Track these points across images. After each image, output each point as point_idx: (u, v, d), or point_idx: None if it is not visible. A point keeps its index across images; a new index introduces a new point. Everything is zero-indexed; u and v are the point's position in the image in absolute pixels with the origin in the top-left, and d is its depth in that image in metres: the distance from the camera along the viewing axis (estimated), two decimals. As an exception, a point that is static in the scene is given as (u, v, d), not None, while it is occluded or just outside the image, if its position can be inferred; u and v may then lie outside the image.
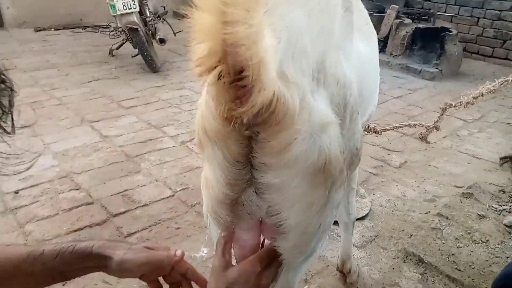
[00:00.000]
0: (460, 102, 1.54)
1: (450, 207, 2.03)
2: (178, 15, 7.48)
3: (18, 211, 1.82)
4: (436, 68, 4.36)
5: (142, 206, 1.96)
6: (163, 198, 2.03)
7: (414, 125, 1.71)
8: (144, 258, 0.77)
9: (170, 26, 4.76)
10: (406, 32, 4.66)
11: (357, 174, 1.42)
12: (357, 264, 1.66)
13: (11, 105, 0.44)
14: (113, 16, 3.70)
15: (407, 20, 4.83)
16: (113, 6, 3.58)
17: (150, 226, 1.82)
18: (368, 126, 1.66)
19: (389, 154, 2.66)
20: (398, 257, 1.75)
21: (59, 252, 0.74)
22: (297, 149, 0.62)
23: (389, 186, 2.30)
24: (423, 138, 1.67)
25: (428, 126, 1.64)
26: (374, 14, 5.00)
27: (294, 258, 0.77)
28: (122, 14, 3.64)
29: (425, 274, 1.66)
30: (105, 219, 1.84)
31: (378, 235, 1.88)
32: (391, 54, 4.77)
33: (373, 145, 2.75)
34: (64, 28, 6.05)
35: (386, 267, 1.70)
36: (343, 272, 1.60)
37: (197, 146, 0.72)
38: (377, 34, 4.93)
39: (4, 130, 0.44)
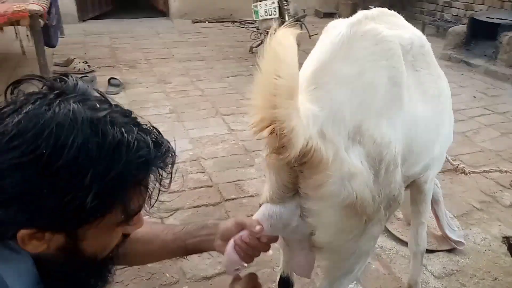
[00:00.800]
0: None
1: (551, 260, 1.93)
2: (319, 13, 7.73)
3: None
4: None
5: (249, 196, 2.32)
6: (267, 193, 2.36)
7: (505, 171, 1.70)
8: (239, 220, 1.00)
9: (306, 28, 5.05)
10: None
11: (427, 211, 1.54)
12: (428, 293, 1.76)
13: (172, 166, 0.75)
14: (255, 20, 4.13)
15: None
16: (256, 12, 4.01)
17: (251, 214, 2.15)
18: (458, 166, 1.72)
19: (501, 190, 2.54)
20: (475, 296, 1.78)
21: (185, 226, 1.07)
22: (329, 188, 0.87)
23: (491, 224, 2.24)
24: None
25: None
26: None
27: (332, 271, 1.04)
28: (263, 20, 4.05)
29: (499, 320, 1.67)
30: (218, 201, 2.25)
31: (461, 270, 1.92)
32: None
33: (486, 178, 2.65)
34: (216, 21, 6.83)
35: (460, 303, 1.75)
36: (411, 296, 1.72)
37: (264, 169, 1.00)
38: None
39: (162, 186, 0.74)
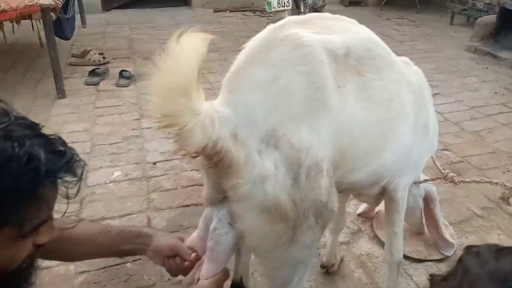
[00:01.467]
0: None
1: (548, 276, 1.82)
2: (344, 2, 7.51)
3: (151, 180, 2.38)
4: None
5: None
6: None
7: (496, 183, 1.59)
8: (173, 243, 1.10)
9: (325, 19, 4.94)
10: None
11: (400, 221, 1.49)
12: (408, 304, 1.71)
13: (81, 177, 0.77)
14: (269, 12, 4.06)
15: None
16: (269, 4, 3.94)
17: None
18: (447, 174, 1.64)
19: (508, 196, 2.42)
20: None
21: (121, 231, 1.14)
22: (243, 190, 0.89)
23: (490, 233, 2.14)
24: (505, 199, 1.54)
25: (511, 188, 1.50)
26: None
27: (271, 280, 1.07)
28: (276, 11, 3.97)
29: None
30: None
31: (448, 282, 1.85)
32: None
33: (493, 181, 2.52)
34: (237, 10, 6.77)
35: (442, 316, 1.69)
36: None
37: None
38: None
39: (67, 195, 0.76)
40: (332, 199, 1.01)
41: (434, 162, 1.79)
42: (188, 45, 0.82)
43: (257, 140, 0.90)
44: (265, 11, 6.47)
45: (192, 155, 0.85)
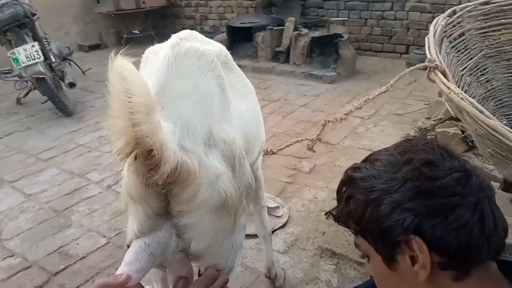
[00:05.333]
0: (335, 118, 1.88)
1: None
2: (83, 48, 7.37)
3: None
4: (335, 72, 4.83)
5: (80, 259, 2.06)
6: (99, 247, 2.14)
7: (301, 140, 2.03)
8: (98, 282, 0.91)
9: (78, 66, 4.75)
10: (304, 42, 5.08)
11: (264, 195, 1.70)
12: (282, 269, 1.93)
13: None
14: (18, 68, 3.65)
15: (304, 30, 5.23)
16: (16, 60, 3.54)
17: (91, 277, 1.93)
18: (266, 149, 1.94)
19: (300, 161, 2.98)
20: (315, 255, 2.04)
21: None
22: (202, 196, 0.90)
23: (302, 191, 2.61)
24: (310, 149, 1.99)
25: (312, 139, 1.96)
26: (275, 28, 5.37)
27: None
28: (27, 66, 3.61)
29: (338, 264, 1.97)
30: (46, 280, 1.92)
31: (298, 239, 2.17)
32: (294, 63, 5.18)
33: (285, 155, 3.05)
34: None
35: (307, 265, 1.98)
36: (271, 278, 1.86)
37: (124, 205, 0.98)
38: (280, 46, 5.33)
39: None
40: (253, 178, 1.15)
41: None
42: (129, 65, 0.74)
43: (201, 145, 0.94)
44: (12, 69, 5.74)
45: (165, 174, 0.78)
